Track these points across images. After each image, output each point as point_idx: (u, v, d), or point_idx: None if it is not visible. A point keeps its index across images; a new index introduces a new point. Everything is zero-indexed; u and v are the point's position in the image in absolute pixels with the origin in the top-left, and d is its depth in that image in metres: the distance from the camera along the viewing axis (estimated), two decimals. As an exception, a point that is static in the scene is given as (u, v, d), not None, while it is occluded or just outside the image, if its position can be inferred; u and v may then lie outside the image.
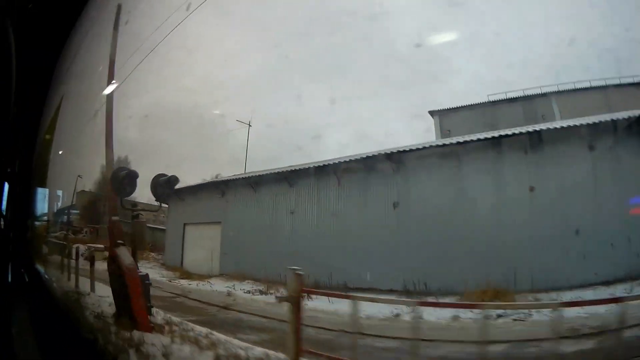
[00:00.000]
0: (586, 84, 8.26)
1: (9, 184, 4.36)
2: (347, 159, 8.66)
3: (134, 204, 5.98)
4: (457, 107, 9.99)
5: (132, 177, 5.19)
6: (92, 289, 7.40)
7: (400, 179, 8.29)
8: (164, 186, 5.63)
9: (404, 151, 8.02)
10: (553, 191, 6.61)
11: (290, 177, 9.81)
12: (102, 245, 12.31)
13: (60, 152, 7.16)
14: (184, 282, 10.50)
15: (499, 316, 5.01)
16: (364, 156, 8.57)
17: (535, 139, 7.01)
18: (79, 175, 11.52)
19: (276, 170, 10.41)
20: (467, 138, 7.58)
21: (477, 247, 6.62)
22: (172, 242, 13.62)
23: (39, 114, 4.64)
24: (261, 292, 8.20)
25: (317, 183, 9.30)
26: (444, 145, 7.86)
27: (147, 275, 5.12)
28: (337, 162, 8.85)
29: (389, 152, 8.19)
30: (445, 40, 7.80)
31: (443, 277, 6.63)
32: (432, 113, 9.91)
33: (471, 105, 9.76)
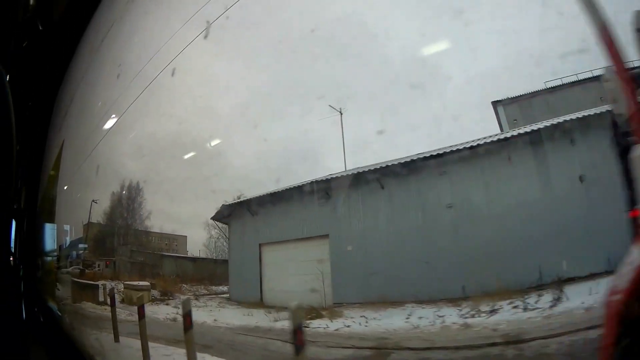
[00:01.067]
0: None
1: (15, 221, 4.42)
2: (521, 131, 7.29)
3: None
4: (519, 96, 9.11)
5: None
6: (116, 336, 6.86)
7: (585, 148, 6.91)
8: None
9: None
10: None
11: (439, 163, 7.40)
12: (147, 283, 11.40)
13: (65, 188, 7.28)
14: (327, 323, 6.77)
15: None
16: (538, 127, 7.30)
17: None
18: (93, 200, 11.37)
19: (418, 156, 7.74)
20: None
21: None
22: (239, 270, 10.50)
23: (41, 149, 4.74)
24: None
25: (479, 164, 7.25)
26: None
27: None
28: (505, 136, 7.28)
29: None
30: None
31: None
32: (495, 104, 9.28)
33: (532, 92, 8.90)
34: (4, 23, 3.43)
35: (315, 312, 7.27)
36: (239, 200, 10.85)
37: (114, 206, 14.34)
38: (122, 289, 11.05)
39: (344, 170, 9.00)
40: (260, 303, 9.14)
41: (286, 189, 9.46)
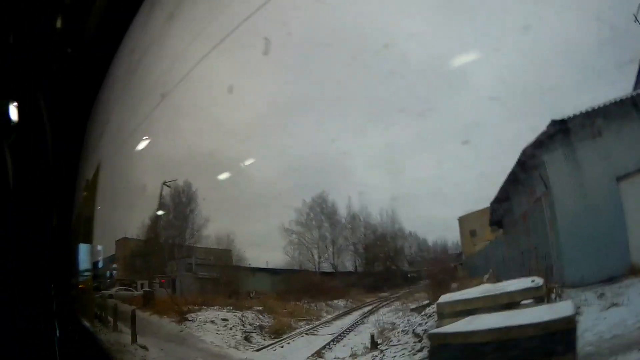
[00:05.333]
0: None
1: (47, 241, 4.49)
2: None
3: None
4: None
5: None
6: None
7: None
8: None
9: None
10: None
11: None
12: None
13: (99, 208, 7.42)
14: None
15: None
16: None
17: None
18: (164, 183, 10.10)
19: None
20: None
21: None
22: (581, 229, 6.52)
23: (75, 170, 4.84)
24: None
25: None
26: None
27: None
28: None
29: None
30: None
31: None
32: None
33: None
34: (32, 47, 3.53)
35: None
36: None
37: (157, 220, 13.10)
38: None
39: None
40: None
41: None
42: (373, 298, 12.12)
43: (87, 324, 6.66)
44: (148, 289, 9.59)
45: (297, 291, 11.29)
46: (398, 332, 6.83)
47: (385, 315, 8.80)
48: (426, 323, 6.43)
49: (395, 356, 5.90)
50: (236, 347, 6.93)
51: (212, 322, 7.72)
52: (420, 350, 5.82)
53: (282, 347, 7.19)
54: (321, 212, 13.54)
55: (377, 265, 13.93)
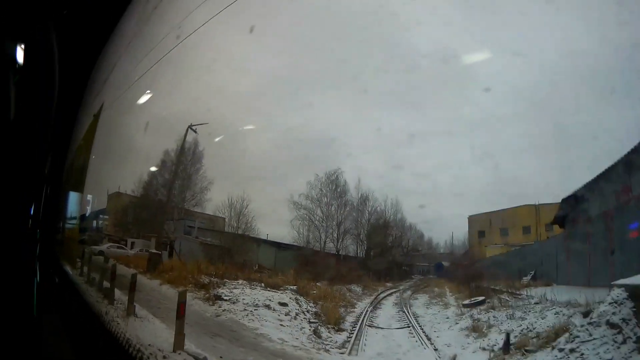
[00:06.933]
0: None
1: (39, 186, 4.47)
2: None
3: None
4: None
5: None
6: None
7: None
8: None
9: None
10: None
11: None
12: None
13: (93, 157, 7.29)
14: None
15: None
16: None
17: None
18: (190, 127, 8.41)
19: None
20: None
21: None
22: None
23: (73, 120, 4.77)
24: None
25: None
26: None
27: None
28: None
29: None
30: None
31: None
32: None
33: None
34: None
35: None
36: None
37: (156, 177, 11.90)
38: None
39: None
40: None
41: None
42: (382, 287, 11.61)
43: (67, 267, 6.72)
44: (155, 251, 8.57)
45: (314, 271, 9.97)
46: (584, 327, 5.97)
47: (437, 310, 7.81)
48: (620, 312, 5.86)
49: (598, 352, 5.29)
50: (326, 350, 5.02)
51: (268, 306, 6.16)
52: (624, 342, 5.29)
53: (365, 345, 5.20)
54: (334, 190, 12.87)
55: (382, 254, 13.52)
